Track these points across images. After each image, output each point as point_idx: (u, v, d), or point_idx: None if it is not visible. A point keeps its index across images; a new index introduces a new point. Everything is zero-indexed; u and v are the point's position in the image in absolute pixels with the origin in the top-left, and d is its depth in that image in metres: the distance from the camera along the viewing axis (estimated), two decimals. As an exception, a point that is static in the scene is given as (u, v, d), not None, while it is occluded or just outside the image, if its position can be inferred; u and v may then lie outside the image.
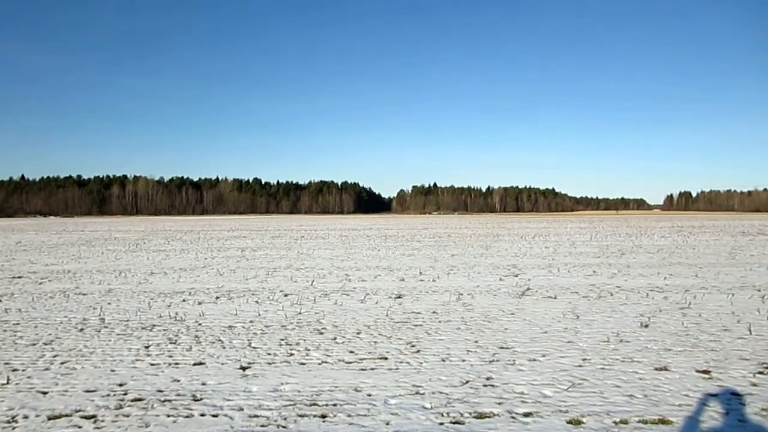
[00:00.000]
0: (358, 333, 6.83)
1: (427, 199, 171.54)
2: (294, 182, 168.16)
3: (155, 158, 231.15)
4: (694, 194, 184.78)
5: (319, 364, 5.50)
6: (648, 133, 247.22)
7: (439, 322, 7.45)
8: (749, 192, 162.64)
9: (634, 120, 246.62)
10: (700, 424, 3.94)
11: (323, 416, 4.13)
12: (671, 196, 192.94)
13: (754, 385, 4.75)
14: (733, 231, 32.60)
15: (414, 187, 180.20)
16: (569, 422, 3.97)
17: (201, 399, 4.50)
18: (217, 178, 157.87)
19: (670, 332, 6.72)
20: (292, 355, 5.83)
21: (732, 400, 4.40)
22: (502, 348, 6.03)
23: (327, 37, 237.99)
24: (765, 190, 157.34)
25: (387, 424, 3.98)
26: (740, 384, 4.77)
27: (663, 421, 3.98)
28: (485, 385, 4.79)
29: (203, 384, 4.88)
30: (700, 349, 5.91)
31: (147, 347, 6.17)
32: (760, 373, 5.07)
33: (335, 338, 6.56)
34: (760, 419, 4.01)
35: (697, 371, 5.14)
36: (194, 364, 5.49)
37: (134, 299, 9.45)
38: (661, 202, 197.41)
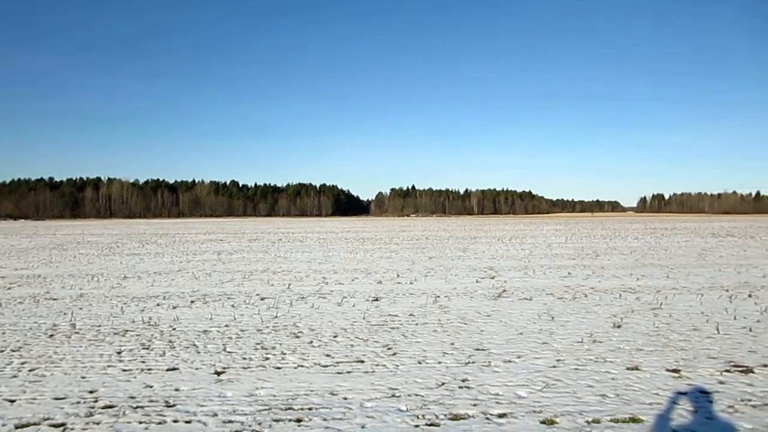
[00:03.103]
0: (334, 336, 6.81)
1: (406, 201, 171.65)
2: (272, 185, 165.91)
3: (130, 160, 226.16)
4: (666, 197, 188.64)
5: (295, 368, 5.47)
6: (622, 137, 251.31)
7: (416, 324, 7.47)
8: (719, 195, 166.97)
9: (608, 123, 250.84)
10: (670, 422, 4.03)
11: (299, 420, 4.11)
12: (644, 198, 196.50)
13: (722, 383, 4.87)
14: (704, 233, 33.42)
15: (392, 189, 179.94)
16: (543, 422, 4.02)
17: (174, 405, 4.44)
18: (194, 181, 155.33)
19: (642, 332, 6.86)
20: (267, 359, 5.79)
21: (700, 398, 4.51)
22: (477, 350, 6.08)
23: (305, 41, 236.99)
24: (734, 192, 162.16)
25: (362, 427, 3.98)
26: (708, 382, 4.89)
27: (634, 420, 4.06)
28: (461, 387, 4.82)
29: (177, 390, 4.81)
30: (670, 349, 6.04)
31: (119, 353, 6.06)
32: (728, 371, 5.21)
33: (311, 342, 6.53)
34: (727, 416, 4.12)
35: (668, 370, 5.25)
36: (168, 370, 5.41)
37: (107, 304, 9.27)
38: (635, 205, 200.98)
